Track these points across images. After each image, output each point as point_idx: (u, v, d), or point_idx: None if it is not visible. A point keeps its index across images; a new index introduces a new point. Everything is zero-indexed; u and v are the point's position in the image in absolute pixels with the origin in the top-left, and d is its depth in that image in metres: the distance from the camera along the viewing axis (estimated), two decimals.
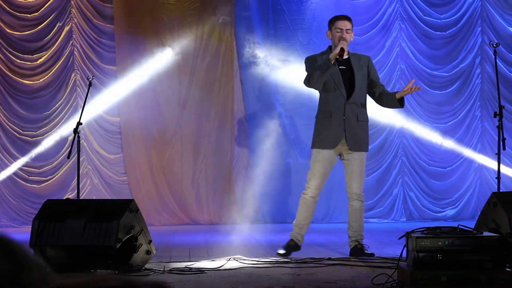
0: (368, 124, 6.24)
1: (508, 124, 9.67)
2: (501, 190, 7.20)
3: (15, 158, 9.53)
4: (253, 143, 9.66)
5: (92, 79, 7.45)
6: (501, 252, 4.23)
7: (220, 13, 9.66)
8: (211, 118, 9.70)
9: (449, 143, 9.87)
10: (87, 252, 5.11)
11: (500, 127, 6.90)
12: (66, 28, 9.64)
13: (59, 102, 9.62)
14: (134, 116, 9.63)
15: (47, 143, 9.54)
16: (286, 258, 5.89)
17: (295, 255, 6.13)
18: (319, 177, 6.10)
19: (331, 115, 6.08)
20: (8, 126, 9.56)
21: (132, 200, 5.44)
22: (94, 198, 9.08)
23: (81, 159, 7.56)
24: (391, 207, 9.82)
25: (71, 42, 9.64)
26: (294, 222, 6.21)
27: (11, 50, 9.56)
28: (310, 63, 6.11)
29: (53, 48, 9.62)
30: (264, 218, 9.63)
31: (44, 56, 9.60)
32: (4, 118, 9.57)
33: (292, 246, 6.11)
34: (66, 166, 9.54)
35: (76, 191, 6.90)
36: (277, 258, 5.87)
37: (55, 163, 9.58)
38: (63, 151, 9.52)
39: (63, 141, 9.57)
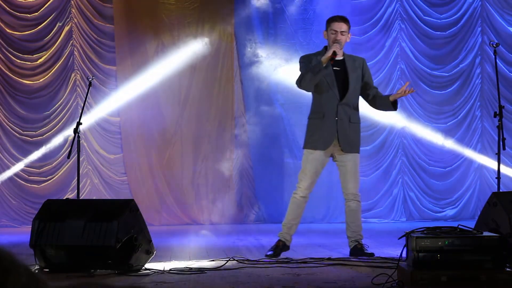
0: (360, 126, 6.21)
1: (508, 124, 9.67)
2: (501, 190, 7.20)
3: (15, 158, 9.53)
4: (253, 143, 9.66)
5: (92, 79, 7.45)
6: (501, 252, 4.23)
7: (220, 13, 9.66)
8: (211, 118, 9.70)
9: (449, 143, 9.87)
10: (87, 252, 5.11)
11: (500, 127, 6.89)
12: (66, 28, 9.65)
13: (59, 102, 9.63)
14: (134, 116, 9.64)
15: (47, 143, 9.54)
16: (286, 258, 5.89)
17: (294, 255, 6.13)
18: (310, 178, 6.10)
19: (323, 116, 6.08)
20: (8, 126, 9.57)
21: (132, 200, 5.44)
22: (94, 198, 9.08)
23: (81, 159, 7.56)
24: (391, 207, 9.82)
25: (71, 42, 9.64)
26: (283, 222, 6.20)
27: (11, 50, 9.56)
28: (305, 63, 6.11)
29: (53, 48, 9.62)
30: (264, 218, 9.63)
31: (44, 56, 9.60)
32: (4, 118, 9.57)
33: (280, 247, 6.10)
34: (66, 166, 9.54)
35: (76, 191, 6.90)
36: (277, 258, 5.87)
37: (55, 163, 9.58)
38: (63, 151, 9.53)
39: (63, 141, 9.57)
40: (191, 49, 9.65)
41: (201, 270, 5.20)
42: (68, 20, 9.66)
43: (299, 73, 6.15)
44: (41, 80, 9.61)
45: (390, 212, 9.81)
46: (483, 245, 4.24)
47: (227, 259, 5.69)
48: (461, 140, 9.90)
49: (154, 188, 9.63)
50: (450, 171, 9.91)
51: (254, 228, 8.97)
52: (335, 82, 6.06)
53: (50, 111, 9.62)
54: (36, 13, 9.59)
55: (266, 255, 6.02)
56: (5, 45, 9.56)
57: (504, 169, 9.15)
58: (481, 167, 9.91)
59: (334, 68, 6.08)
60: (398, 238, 4.54)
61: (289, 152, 9.70)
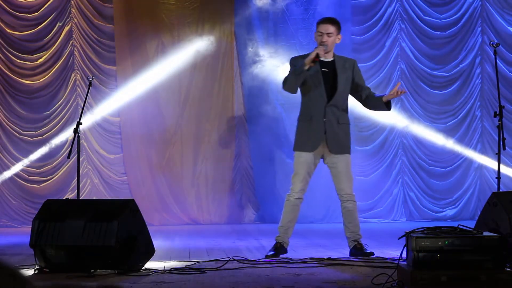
0: (349, 127, 6.20)
1: (508, 124, 9.67)
2: (501, 190, 7.20)
3: (15, 158, 9.53)
4: (253, 143, 9.66)
5: (92, 79, 7.45)
6: (501, 252, 4.23)
7: (220, 13, 9.66)
8: (211, 118, 9.70)
9: (449, 143, 9.87)
10: (87, 252, 5.11)
11: (500, 127, 6.90)
12: (66, 28, 9.65)
13: (59, 102, 9.63)
14: (134, 116, 9.64)
15: (47, 143, 9.55)
16: (286, 258, 5.89)
17: (294, 255, 6.13)
18: (302, 180, 6.11)
19: (311, 118, 6.08)
20: (8, 126, 9.57)
21: (132, 200, 5.44)
22: (94, 198, 9.08)
23: (81, 159, 7.56)
24: (391, 207, 9.82)
25: (71, 42, 9.64)
26: (279, 225, 6.19)
27: (11, 50, 9.56)
28: (294, 64, 6.11)
29: (53, 48, 9.62)
30: (264, 218, 9.63)
31: (44, 56, 9.60)
32: (4, 118, 9.57)
33: (279, 249, 6.10)
34: (66, 166, 9.54)
35: (76, 191, 6.90)
36: (277, 258, 5.87)
37: (55, 163, 9.58)
38: (63, 151, 9.53)
39: (63, 141, 9.57)
40: (191, 49, 9.65)
41: (201, 270, 5.20)
42: (68, 20, 9.66)
43: None
44: (41, 80, 9.61)
45: (390, 212, 9.81)
46: (483, 245, 4.24)
47: (227, 259, 5.69)
48: (461, 140, 9.90)
49: (154, 188, 9.63)
50: (450, 171, 9.91)
51: (254, 228, 8.98)
52: (322, 83, 6.06)
53: (50, 111, 9.62)
54: (36, 13, 9.59)
55: (267, 256, 6.02)
56: (5, 45, 9.56)
57: (504, 169, 9.15)
58: (481, 167, 9.92)
59: (323, 69, 6.08)
60: (398, 238, 4.54)
61: (289, 152, 9.68)
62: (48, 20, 9.61)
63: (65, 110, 9.63)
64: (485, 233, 4.38)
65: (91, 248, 5.08)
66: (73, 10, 9.64)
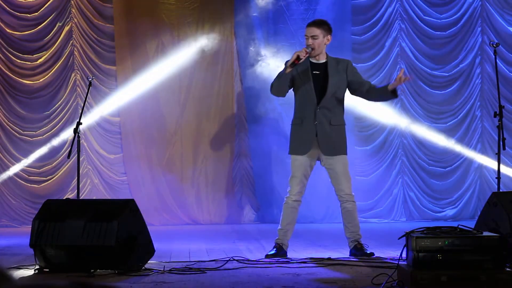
0: (344, 128, 6.19)
1: (508, 124, 9.67)
2: (501, 190, 7.21)
3: (15, 158, 9.54)
4: (253, 143, 9.67)
5: (92, 79, 7.45)
6: (501, 252, 4.23)
7: (220, 13, 9.66)
8: (211, 118, 9.70)
9: (449, 143, 9.87)
10: (87, 252, 5.11)
11: (500, 127, 6.90)
12: (66, 28, 9.65)
13: (59, 102, 9.63)
14: (134, 116, 9.64)
15: (47, 143, 9.55)
16: (286, 258, 5.89)
17: (294, 255, 6.13)
18: (299, 182, 6.12)
19: (302, 121, 6.10)
20: (8, 126, 9.57)
21: (132, 200, 5.44)
22: (94, 198, 9.08)
23: (81, 159, 7.56)
24: (391, 207, 9.82)
25: (71, 42, 9.64)
26: (278, 227, 6.20)
27: (11, 50, 9.56)
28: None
29: (53, 48, 9.62)
30: (264, 218, 9.63)
31: (44, 56, 9.60)
32: (4, 118, 9.57)
33: (278, 250, 6.10)
34: (66, 166, 9.54)
35: (76, 191, 6.90)
36: (277, 258, 5.87)
37: (55, 163, 9.59)
38: (63, 151, 9.53)
39: (63, 141, 9.57)
40: (191, 49, 9.65)
41: (201, 270, 5.20)
42: (68, 20, 9.66)
43: None
44: (41, 80, 9.61)
45: (390, 212, 9.81)
46: (483, 245, 4.24)
47: (227, 259, 5.69)
48: (461, 140, 9.90)
49: (154, 188, 9.63)
50: (450, 171, 9.91)
51: (254, 228, 8.98)
52: (312, 86, 6.07)
53: (50, 111, 9.62)
54: (36, 13, 9.59)
55: (267, 255, 6.03)
56: (5, 45, 9.56)
57: (504, 169, 9.15)
58: (481, 167, 9.91)
59: (314, 72, 6.09)
60: (398, 238, 4.54)
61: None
62: (48, 20, 9.61)
63: (65, 110, 9.63)
64: (485, 233, 4.38)
65: (91, 248, 5.09)
66: (73, 10, 9.64)
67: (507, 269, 4.25)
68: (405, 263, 4.44)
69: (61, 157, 9.55)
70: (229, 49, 9.71)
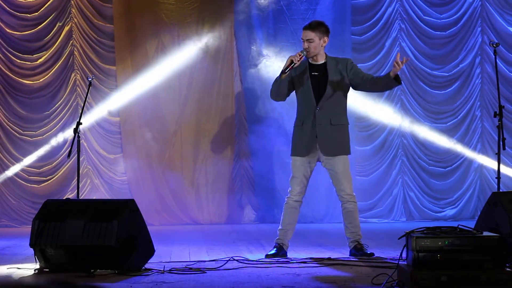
0: (346, 127, 6.19)
1: (508, 124, 9.67)
2: (501, 190, 7.21)
3: (15, 158, 9.53)
4: (253, 143, 9.66)
5: (92, 79, 7.46)
6: (501, 252, 4.23)
7: (220, 13, 9.66)
8: (211, 118, 9.70)
9: (449, 143, 9.87)
10: (87, 252, 5.11)
11: (500, 127, 6.90)
12: (66, 28, 9.64)
13: (59, 102, 9.62)
14: (134, 116, 9.64)
15: (47, 143, 9.55)
16: (286, 258, 5.90)
17: (294, 255, 6.14)
18: (300, 183, 6.14)
19: (303, 123, 6.13)
20: (8, 126, 9.57)
21: (132, 200, 5.44)
22: (94, 198, 9.08)
23: (81, 159, 7.56)
24: (391, 207, 9.82)
25: (71, 42, 9.64)
26: (279, 227, 6.22)
27: (11, 50, 9.56)
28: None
29: (53, 48, 9.62)
30: (264, 218, 9.62)
31: (44, 56, 9.60)
32: (4, 118, 9.57)
33: (279, 250, 6.11)
34: (66, 166, 9.54)
35: (76, 191, 6.90)
36: (277, 258, 5.87)
37: (55, 163, 9.58)
38: (63, 151, 9.53)
39: (63, 141, 9.57)
40: (191, 49, 9.65)
41: (201, 270, 5.20)
42: (68, 20, 9.66)
43: None
44: (41, 80, 9.60)
45: (390, 212, 9.81)
46: (483, 245, 4.24)
47: (227, 259, 5.69)
48: (461, 140, 9.89)
49: (154, 188, 9.63)
50: (450, 171, 9.91)
51: (254, 228, 8.98)
52: (311, 87, 6.09)
53: (50, 111, 9.62)
54: (36, 13, 9.59)
55: (267, 255, 6.03)
56: (5, 45, 9.56)
57: (504, 169, 9.15)
58: (481, 167, 9.91)
59: (313, 73, 6.11)
60: (398, 238, 4.54)
61: (289, 152, 9.67)
62: (48, 20, 9.60)
63: (65, 110, 9.63)
64: (485, 233, 4.38)
65: (91, 248, 5.09)
66: (73, 10, 9.64)
67: (507, 269, 4.25)
68: (405, 263, 4.44)
69: (61, 157, 9.55)
70: (229, 49, 9.71)
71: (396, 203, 9.83)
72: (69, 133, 9.47)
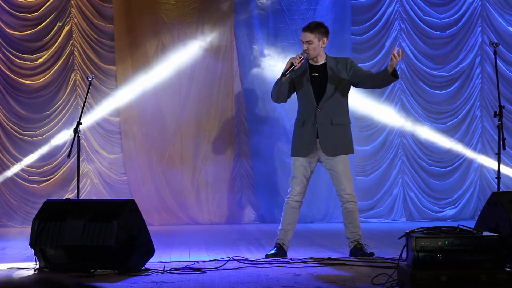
0: (347, 127, 6.20)
1: (508, 124, 9.67)
2: (501, 190, 7.21)
3: (15, 158, 9.53)
4: (253, 143, 9.66)
5: (92, 79, 7.46)
6: (501, 252, 4.24)
7: (220, 13, 9.66)
8: (211, 118, 9.70)
9: (449, 143, 9.86)
10: (87, 252, 5.11)
11: (500, 127, 6.90)
12: (66, 28, 9.64)
13: (59, 102, 9.62)
14: (134, 116, 9.64)
15: (47, 143, 9.54)
16: (286, 258, 5.90)
17: (294, 255, 6.14)
18: (300, 183, 6.15)
19: (303, 123, 6.14)
20: (8, 126, 9.56)
21: (132, 200, 5.45)
22: (94, 198, 9.08)
23: (81, 159, 7.56)
24: (391, 207, 9.82)
25: (71, 42, 9.64)
26: (279, 227, 6.22)
27: (11, 50, 9.56)
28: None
29: (53, 48, 9.62)
30: (264, 218, 9.62)
31: (44, 56, 9.60)
32: (4, 118, 9.57)
33: (279, 250, 6.11)
34: (66, 166, 9.54)
35: (76, 191, 6.90)
36: (277, 258, 5.88)
37: (55, 163, 9.58)
38: (63, 151, 9.52)
39: (63, 141, 9.57)
40: (191, 49, 9.65)
41: (201, 270, 5.20)
42: (68, 20, 9.65)
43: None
44: (41, 80, 9.60)
45: (390, 212, 9.81)
46: (483, 245, 4.24)
47: (227, 259, 5.69)
48: (461, 140, 9.89)
49: (154, 188, 9.63)
50: (450, 171, 9.90)
51: (254, 228, 8.98)
52: (311, 88, 6.10)
53: (50, 111, 9.62)
54: (36, 13, 9.59)
55: (267, 255, 6.03)
56: (5, 45, 9.55)
57: (504, 169, 9.15)
58: (481, 167, 9.91)
59: (313, 73, 6.12)
60: (398, 238, 4.54)
61: (289, 152, 9.66)
62: (48, 20, 9.60)
63: (65, 110, 9.62)
64: (485, 233, 4.38)
65: (91, 248, 5.09)
66: (73, 10, 9.64)
67: (507, 269, 4.25)
68: (405, 263, 4.44)
69: (61, 157, 9.54)
70: (229, 49, 9.71)
71: (396, 203, 9.82)
72: (69, 133, 9.47)
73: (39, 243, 5.17)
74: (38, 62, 9.60)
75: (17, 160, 9.54)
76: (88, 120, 9.44)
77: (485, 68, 9.90)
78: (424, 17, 9.91)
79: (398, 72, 9.98)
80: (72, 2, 9.62)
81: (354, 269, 5.27)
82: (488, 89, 9.89)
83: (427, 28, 9.90)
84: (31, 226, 5.30)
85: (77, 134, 6.90)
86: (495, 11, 9.88)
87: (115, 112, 9.64)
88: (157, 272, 5.15)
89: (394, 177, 9.85)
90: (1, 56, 9.54)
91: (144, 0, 9.63)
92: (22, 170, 9.54)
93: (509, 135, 9.31)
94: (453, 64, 9.92)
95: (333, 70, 6.12)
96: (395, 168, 9.86)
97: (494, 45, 7.18)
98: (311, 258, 5.83)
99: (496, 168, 7.07)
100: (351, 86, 6.23)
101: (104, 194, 9.53)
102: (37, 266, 5.24)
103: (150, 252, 5.42)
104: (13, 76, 9.56)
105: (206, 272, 5.15)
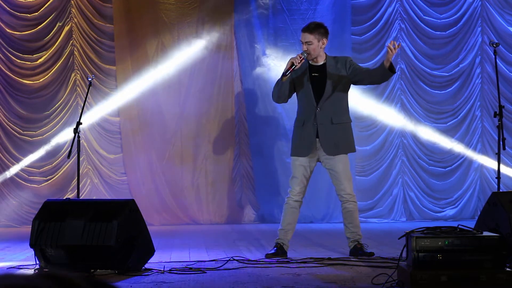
0: (348, 126, 6.21)
1: (508, 124, 9.67)
2: (501, 190, 7.21)
3: (15, 158, 9.53)
4: (253, 143, 9.66)
5: (92, 79, 7.46)
6: (501, 252, 4.24)
7: (220, 13, 9.66)
8: (211, 118, 9.70)
9: (449, 143, 9.86)
10: (87, 252, 5.11)
11: (500, 127, 6.90)
12: (66, 28, 9.64)
13: (59, 102, 9.62)
14: (134, 116, 9.64)
15: (47, 143, 9.54)
16: (286, 258, 5.90)
17: (294, 255, 6.14)
18: (300, 183, 6.16)
19: (303, 123, 6.15)
20: (8, 126, 9.56)
21: (132, 200, 5.45)
22: (94, 198, 9.08)
23: (81, 159, 7.56)
24: (391, 207, 9.81)
25: (71, 42, 9.64)
26: (279, 228, 6.23)
27: (11, 50, 9.56)
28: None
29: (53, 48, 9.61)
30: (264, 218, 9.62)
31: (44, 56, 9.60)
32: (4, 118, 9.57)
33: (279, 250, 6.11)
34: (66, 166, 9.54)
35: (76, 191, 6.90)
36: (277, 258, 5.88)
37: (55, 163, 9.58)
38: (63, 151, 9.52)
39: (63, 141, 9.57)
40: (191, 49, 9.65)
41: (201, 270, 5.20)
42: (68, 20, 9.65)
43: None
44: (41, 80, 9.60)
45: (390, 212, 9.81)
46: (483, 245, 4.24)
47: (227, 259, 5.69)
48: (461, 140, 9.89)
49: (154, 188, 9.63)
50: (450, 171, 9.90)
51: (254, 228, 8.98)
52: (311, 88, 6.10)
53: (50, 111, 9.62)
54: (36, 13, 9.59)
55: (267, 255, 6.03)
56: (5, 45, 9.55)
57: (504, 169, 9.14)
58: (481, 167, 9.91)
59: (313, 74, 6.12)
60: (398, 238, 4.54)
61: (289, 152, 9.66)
62: (48, 20, 9.60)
63: (65, 110, 9.62)
64: (485, 233, 4.38)
65: (91, 248, 5.09)
66: (73, 10, 9.64)
67: (507, 269, 4.25)
68: (405, 263, 4.44)
69: (61, 157, 9.54)
70: (229, 49, 9.71)
71: (396, 203, 9.82)
72: (69, 133, 9.46)
73: (39, 243, 5.17)
74: (38, 62, 9.60)
75: (17, 160, 9.54)
76: (88, 120, 9.43)
77: (485, 68, 9.90)
78: (424, 17, 9.91)
79: (398, 72, 10.05)
80: (72, 2, 9.62)
81: (354, 269, 5.27)
82: (488, 89, 9.89)
83: (427, 28, 9.90)
84: (31, 226, 5.30)
85: (77, 134, 6.90)
86: (495, 11, 9.88)
87: (115, 112, 9.64)
88: (157, 272, 5.16)
89: (394, 177, 9.85)
90: (1, 56, 9.54)
91: (144, 0, 9.64)
92: (22, 170, 9.54)
93: (509, 135, 9.30)
94: (453, 64, 9.91)
95: (332, 70, 6.13)
96: (395, 168, 9.85)
97: (494, 45, 7.18)
98: (311, 258, 5.83)
99: (496, 168, 7.07)
100: (351, 85, 6.24)
101: (104, 194, 9.53)
102: (37, 266, 5.24)
103: (150, 252, 5.42)
104: (13, 76, 9.56)
105: (206, 272, 5.15)
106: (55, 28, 9.63)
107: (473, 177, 9.92)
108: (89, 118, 9.49)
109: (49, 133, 9.58)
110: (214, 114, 9.70)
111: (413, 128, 9.86)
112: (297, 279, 4.84)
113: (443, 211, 9.85)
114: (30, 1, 9.58)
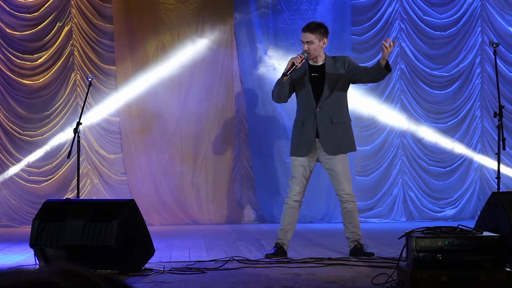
0: (348, 125, 6.21)
1: (508, 124, 9.67)
2: (501, 190, 7.21)
3: (15, 158, 9.53)
4: (253, 143, 9.66)
5: (92, 78, 7.46)
6: (501, 252, 4.24)
7: (220, 13, 9.66)
8: (211, 118, 9.70)
9: (449, 143, 9.86)
10: (87, 252, 5.11)
11: (500, 127, 6.91)
12: (66, 28, 9.64)
13: (59, 102, 9.62)
14: (134, 116, 9.64)
15: (47, 143, 9.54)
16: (286, 258, 5.90)
17: (294, 255, 6.14)
18: (299, 183, 6.16)
19: (303, 123, 6.15)
20: (8, 126, 9.56)
21: (132, 200, 5.45)
22: (94, 198, 9.08)
23: (81, 159, 7.56)
24: (391, 207, 9.81)
25: (71, 42, 9.64)
26: (279, 228, 6.23)
27: (11, 50, 9.56)
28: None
29: (53, 48, 9.62)
30: (264, 218, 9.63)
31: (44, 56, 9.60)
32: (4, 118, 9.57)
33: (279, 250, 6.12)
34: (66, 166, 9.54)
35: (76, 191, 6.90)
36: (277, 258, 5.88)
37: (55, 163, 9.58)
38: (63, 151, 9.52)
39: (63, 141, 9.57)
40: (191, 49, 9.65)
41: (201, 270, 5.20)
42: (68, 20, 9.66)
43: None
44: (41, 80, 9.60)
45: (390, 212, 9.81)
46: (483, 245, 4.24)
47: (227, 259, 5.69)
48: (461, 140, 9.89)
49: (154, 188, 9.63)
50: (450, 171, 9.90)
51: (254, 228, 8.98)
52: (310, 88, 6.11)
53: (50, 111, 9.62)
54: (36, 13, 9.59)
55: (267, 255, 6.03)
56: (5, 45, 9.55)
57: (504, 169, 9.14)
58: (481, 167, 9.91)
59: (312, 74, 6.13)
60: (398, 238, 4.54)
61: (289, 152, 9.67)
62: (48, 20, 9.60)
63: (65, 110, 9.62)
64: (485, 233, 4.38)
65: (91, 248, 5.09)
66: (73, 10, 9.64)
67: (507, 269, 4.25)
68: (405, 263, 4.44)
69: (61, 157, 9.54)
70: (229, 49, 9.71)
71: (396, 203, 9.82)
72: (69, 133, 9.46)
73: (39, 243, 5.17)
74: (38, 62, 9.60)
75: (17, 160, 9.54)
76: (88, 120, 9.43)
77: (485, 68, 9.90)
78: (424, 17, 9.91)
79: (398, 72, 10.05)
80: (72, 2, 9.62)
81: (354, 269, 5.27)
82: (488, 89, 9.89)
83: (427, 28, 9.90)
84: (31, 226, 5.30)
85: (77, 134, 6.90)
86: (495, 11, 9.88)
87: (115, 112, 9.64)
88: (157, 272, 5.15)
89: (394, 177, 9.85)
90: (1, 56, 9.54)
91: (144, 0, 9.64)
92: (22, 170, 9.54)
93: (509, 135, 9.30)
94: (453, 64, 9.91)
95: (331, 69, 6.14)
96: (395, 168, 9.85)
97: (494, 45, 7.18)
98: (311, 258, 5.83)
99: (496, 168, 7.07)
100: (350, 84, 6.25)
101: (104, 194, 9.53)
102: (37, 266, 5.24)
103: (150, 252, 5.42)
104: (13, 76, 9.56)
105: (206, 272, 5.15)
106: (55, 28, 9.63)
107: (473, 177, 9.92)
108: (89, 118, 9.49)
109: (49, 133, 9.58)
110: (214, 114, 9.70)
111: (413, 128, 9.86)
112: (297, 279, 4.84)
113: (443, 211, 9.85)
114: (30, 1, 9.58)
